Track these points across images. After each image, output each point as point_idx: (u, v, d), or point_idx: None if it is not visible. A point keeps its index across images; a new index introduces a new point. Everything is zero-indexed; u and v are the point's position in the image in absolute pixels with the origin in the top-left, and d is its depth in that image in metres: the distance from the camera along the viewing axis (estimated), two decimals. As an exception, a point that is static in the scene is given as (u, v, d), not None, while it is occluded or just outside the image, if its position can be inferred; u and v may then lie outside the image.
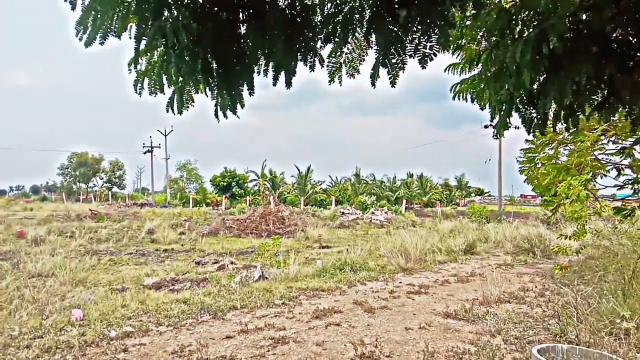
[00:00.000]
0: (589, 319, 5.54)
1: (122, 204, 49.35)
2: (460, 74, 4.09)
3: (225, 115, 2.50)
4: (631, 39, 2.52)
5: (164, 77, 2.42)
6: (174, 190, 62.83)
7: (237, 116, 2.49)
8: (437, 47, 2.48)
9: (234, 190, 51.22)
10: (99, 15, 2.14)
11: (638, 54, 2.52)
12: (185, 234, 19.74)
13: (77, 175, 79.29)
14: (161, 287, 8.97)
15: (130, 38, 2.30)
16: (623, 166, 7.57)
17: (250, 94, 2.48)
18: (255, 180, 54.91)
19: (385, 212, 32.55)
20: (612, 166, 7.72)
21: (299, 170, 54.31)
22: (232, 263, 11.54)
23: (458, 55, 3.99)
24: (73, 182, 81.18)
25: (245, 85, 2.45)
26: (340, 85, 2.80)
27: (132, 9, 2.13)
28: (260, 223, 21.81)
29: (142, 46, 2.27)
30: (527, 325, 6.31)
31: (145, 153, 59.95)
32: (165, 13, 2.16)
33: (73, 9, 2.12)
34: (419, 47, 2.50)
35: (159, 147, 59.82)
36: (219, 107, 2.49)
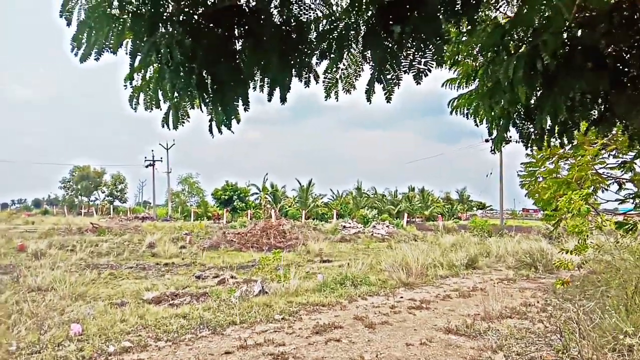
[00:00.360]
0: (591, 335, 5.48)
1: (124, 217, 49.27)
2: (457, 89, 4.11)
3: (220, 131, 2.51)
4: (624, 54, 2.53)
5: (160, 93, 2.43)
6: (175, 204, 62.84)
7: (232, 131, 2.49)
8: (432, 62, 2.48)
9: (235, 203, 51.16)
10: (93, 32, 2.15)
11: (631, 70, 2.53)
12: (186, 248, 19.68)
13: (79, 189, 79.47)
14: (161, 301, 8.92)
15: (126, 54, 2.32)
16: (624, 180, 7.55)
17: (245, 110, 2.49)
18: (256, 193, 54.87)
19: (387, 226, 32.44)
20: (613, 180, 7.71)
21: (300, 183, 54.30)
22: (232, 277, 11.49)
23: (455, 71, 4.01)
24: (75, 195, 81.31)
25: (240, 101, 2.46)
26: (337, 100, 2.81)
27: (128, 25, 2.15)
28: (262, 237, 21.76)
29: (137, 62, 2.29)
30: (529, 341, 6.25)
31: (147, 167, 60.20)
32: (161, 29, 2.18)
33: (68, 25, 2.14)
34: (414, 63, 2.51)
35: (161, 160, 60.10)
36: (213, 123, 2.50)
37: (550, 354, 5.65)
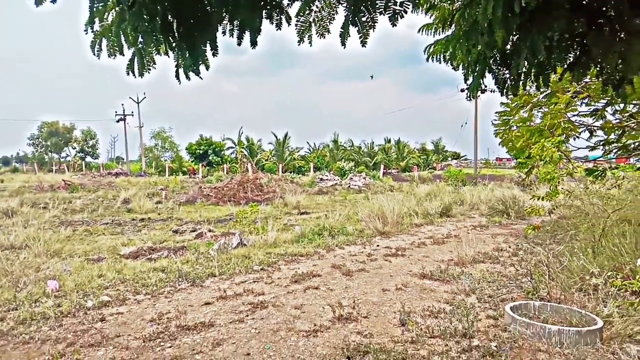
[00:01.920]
0: (560, 277, 5.71)
1: (97, 173, 48.39)
2: (434, 35, 4.02)
3: (187, 77, 2.40)
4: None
5: (122, 38, 2.29)
6: (149, 159, 61.82)
7: (201, 77, 2.38)
8: (408, 3, 2.40)
9: (210, 158, 50.69)
10: (46, -30, 1.99)
11: (609, 10, 2.48)
12: (162, 203, 19.51)
13: (49, 145, 77.19)
14: (138, 256, 8.90)
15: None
16: (595, 128, 7.68)
17: (214, 55, 2.37)
18: (232, 147, 54.39)
19: (364, 178, 32.70)
20: (585, 128, 7.84)
21: (276, 137, 53.89)
22: (210, 231, 11.50)
23: (432, 16, 3.91)
24: (45, 152, 79.05)
25: (208, 45, 2.34)
26: (311, 45, 2.71)
27: (84, -38, 1.99)
28: (239, 191, 21.69)
29: (97, 5, 2.13)
30: (500, 284, 6.48)
31: (118, 121, 58.71)
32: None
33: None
34: (389, 4, 2.41)
35: (132, 114, 58.58)
36: (180, 68, 2.38)
37: (521, 295, 5.88)
